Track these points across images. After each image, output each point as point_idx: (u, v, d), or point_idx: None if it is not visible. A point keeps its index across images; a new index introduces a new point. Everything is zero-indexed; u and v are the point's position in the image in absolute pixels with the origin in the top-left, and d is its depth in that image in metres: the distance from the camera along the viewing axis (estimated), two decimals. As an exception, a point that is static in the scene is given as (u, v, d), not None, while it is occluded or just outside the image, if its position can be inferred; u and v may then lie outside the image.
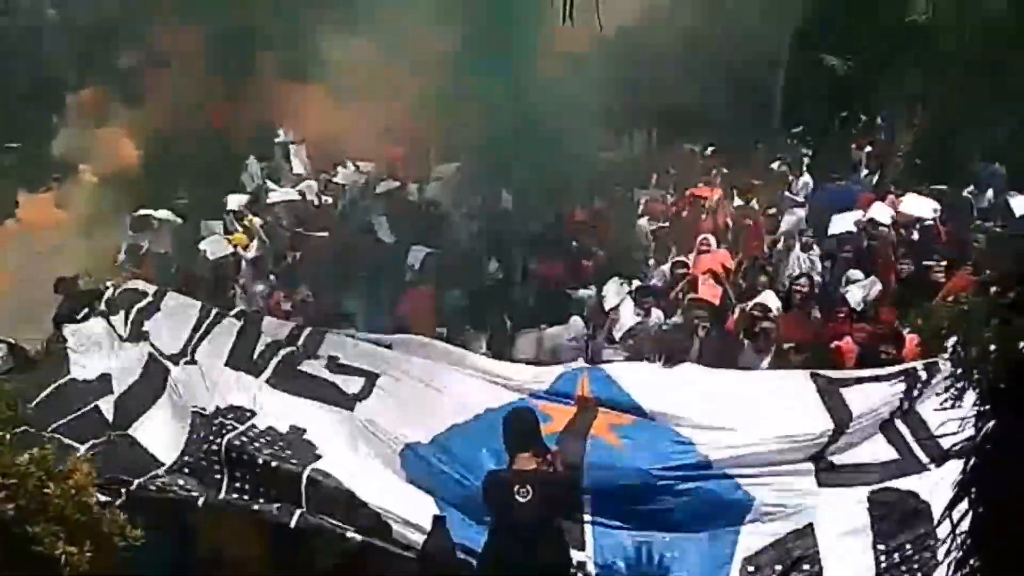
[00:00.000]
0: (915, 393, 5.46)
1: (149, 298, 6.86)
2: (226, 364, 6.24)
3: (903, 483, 5.18)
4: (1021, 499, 2.95)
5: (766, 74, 13.34)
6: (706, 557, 5.18)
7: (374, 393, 6.01)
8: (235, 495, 5.43)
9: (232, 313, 6.94)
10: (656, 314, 8.19)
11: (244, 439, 5.57)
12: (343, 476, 5.35)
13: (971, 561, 3.02)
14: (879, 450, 5.39)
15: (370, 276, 9.19)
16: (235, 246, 9.69)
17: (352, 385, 6.07)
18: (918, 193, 9.56)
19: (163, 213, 10.57)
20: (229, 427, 5.64)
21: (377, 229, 9.85)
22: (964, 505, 3.09)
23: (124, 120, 11.16)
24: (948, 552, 3.05)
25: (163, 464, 5.59)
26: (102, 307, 6.84)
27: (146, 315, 6.72)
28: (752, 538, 5.18)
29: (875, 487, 5.20)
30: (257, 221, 10.10)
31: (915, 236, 8.84)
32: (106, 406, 6.04)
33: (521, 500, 4.79)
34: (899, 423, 5.46)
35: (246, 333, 6.50)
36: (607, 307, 8.07)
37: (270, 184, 11.30)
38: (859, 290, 8.05)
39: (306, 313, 8.26)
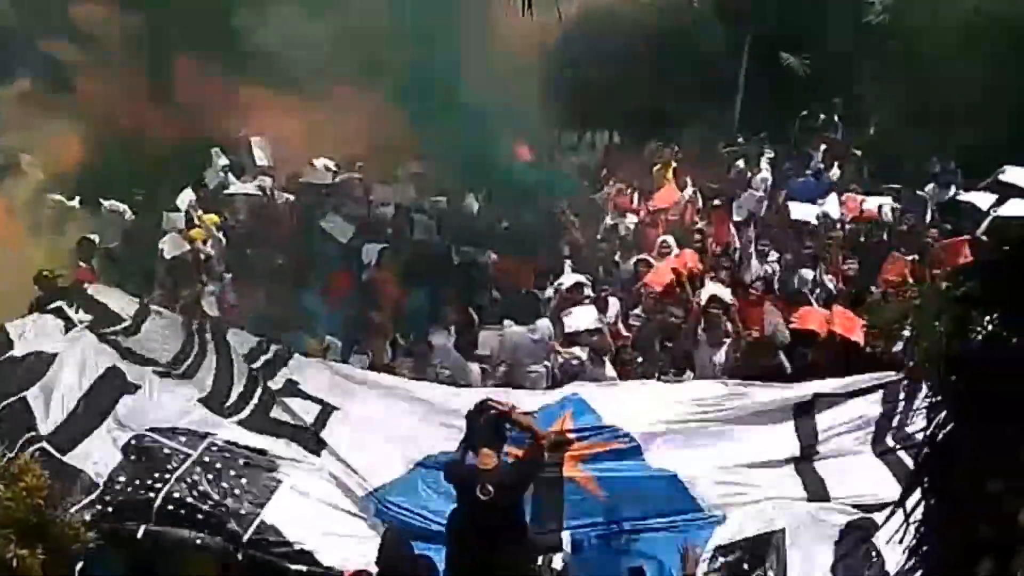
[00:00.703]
0: (899, 408, 5.39)
1: (127, 322, 6.58)
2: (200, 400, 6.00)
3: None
4: (972, 489, 3.00)
5: (726, 73, 13.52)
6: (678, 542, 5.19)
7: (331, 430, 5.85)
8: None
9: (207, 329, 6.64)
10: (614, 305, 8.28)
11: (188, 482, 5.23)
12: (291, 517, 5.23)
13: (923, 548, 3.07)
14: (884, 486, 5.14)
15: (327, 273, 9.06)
16: (192, 242, 9.56)
17: (308, 414, 5.93)
18: (877, 194, 9.86)
19: (113, 203, 10.36)
20: (178, 457, 5.33)
21: (332, 230, 9.70)
22: (917, 495, 3.14)
23: (66, 115, 10.69)
24: (901, 540, 3.09)
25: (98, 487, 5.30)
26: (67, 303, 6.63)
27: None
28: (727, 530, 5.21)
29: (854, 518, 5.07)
30: (210, 219, 9.96)
31: (862, 239, 9.04)
32: (34, 399, 5.73)
33: (483, 498, 4.78)
34: (901, 453, 5.28)
35: (220, 368, 6.26)
36: (565, 286, 8.17)
37: (232, 178, 11.08)
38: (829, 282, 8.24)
39: (258, 311, 8.17)
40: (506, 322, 8.10)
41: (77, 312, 6.58)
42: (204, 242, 9.65)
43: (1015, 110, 10.66)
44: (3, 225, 9.65)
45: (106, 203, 10.30)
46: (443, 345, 7.71)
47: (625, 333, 8.18)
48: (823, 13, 11.92)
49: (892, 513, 3.09)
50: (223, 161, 11.15)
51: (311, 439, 5.79)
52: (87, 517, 4.92)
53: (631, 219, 10.37)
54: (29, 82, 10.90)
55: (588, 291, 8.33)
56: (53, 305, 6.69)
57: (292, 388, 6.16)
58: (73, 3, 11.34)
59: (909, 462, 5.06)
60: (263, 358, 6.43)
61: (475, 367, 7.65)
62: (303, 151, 11.39)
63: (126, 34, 11.12)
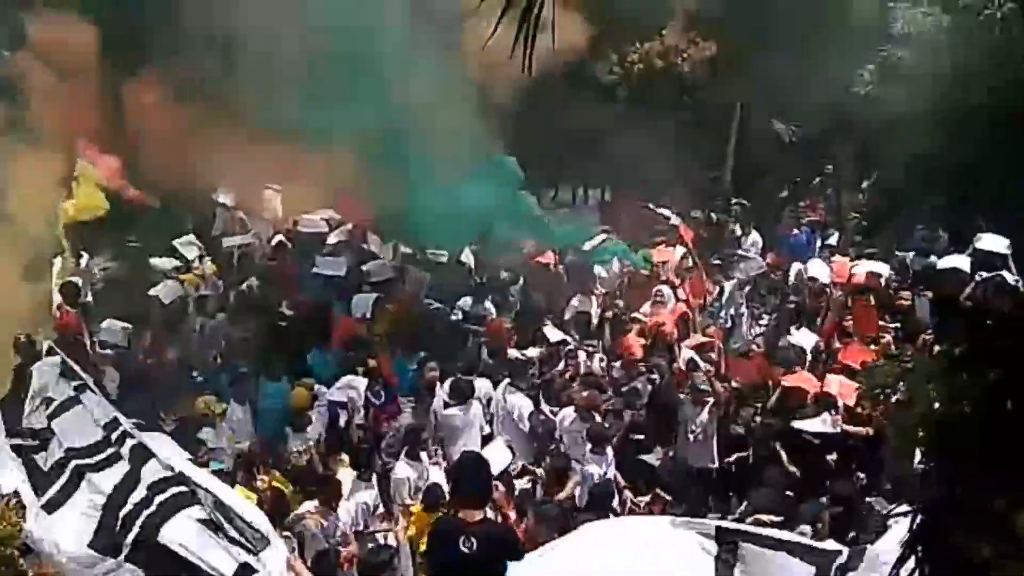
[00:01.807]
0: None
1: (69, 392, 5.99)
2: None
3: None
4: (966, 556, 2.98)
5: (718, 138, 13.79)
6: None
7: None
8: None
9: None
10: (597, 362, 8.30)
11: None
12: None
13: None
14: None
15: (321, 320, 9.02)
16: (183, 283, 9.57)
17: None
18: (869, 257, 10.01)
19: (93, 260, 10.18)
20: None
21: (324, 268, 9.62)
22: (911, 563, 3.12)
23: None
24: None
25: None
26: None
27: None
28: None
29: None
30: (209, 267, 9.97)
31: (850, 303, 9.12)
32: None
33: (465, 551, 4.71)
34: None
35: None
36: (552, 339, 8.20)
37: (241, 213, 11.00)
38: (810, 336, 8.24)
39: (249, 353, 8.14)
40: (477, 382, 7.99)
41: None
42: (197, 287, 9.64)
43: (987, 174, 11.00)
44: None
45: (84, 257, 10.20)
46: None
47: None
48: (812, 82, 12.20)
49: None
50: (228, 201, 11.03)
51: None
52: None
53: (615, 266, 10.52)
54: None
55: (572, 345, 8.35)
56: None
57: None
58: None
59: None
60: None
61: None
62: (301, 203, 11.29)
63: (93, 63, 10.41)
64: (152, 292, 9.33)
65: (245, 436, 7.60)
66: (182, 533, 5.06)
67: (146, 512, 5.16)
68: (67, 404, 5.85)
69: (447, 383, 7.83)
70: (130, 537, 5.10)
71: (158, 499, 5.22)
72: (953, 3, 10.76)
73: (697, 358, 7.83)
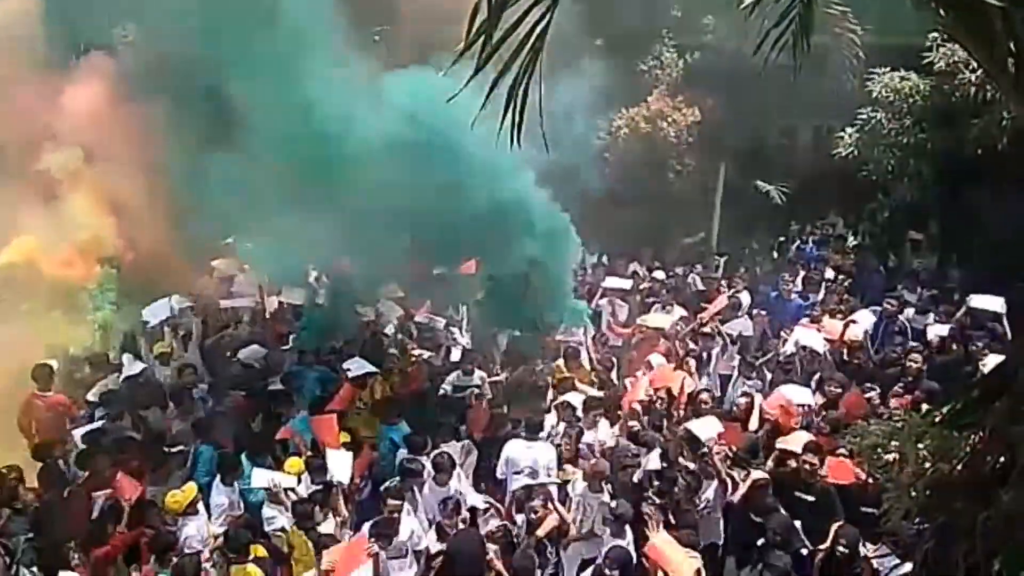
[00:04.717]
0: None
1: None
2: None
3: None
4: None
5: (704, 200, 13.95)
6: None
7: None
8: None
9: None
10: (604, 428, 8.11)
11: None
12: None
13: None
14: None
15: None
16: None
17: None
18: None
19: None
20: None
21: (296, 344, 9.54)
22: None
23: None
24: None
25: None
26: None
27: None
28: None
29: None
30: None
31: (846, 357, 9.08)
32: None
33: None
34: None
35: None
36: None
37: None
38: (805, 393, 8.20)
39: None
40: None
41: None
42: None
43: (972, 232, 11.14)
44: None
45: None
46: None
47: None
48: (795, 144, 12.44)
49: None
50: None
51: None
52: None
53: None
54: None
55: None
56: None
57: None
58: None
59: None
60: None
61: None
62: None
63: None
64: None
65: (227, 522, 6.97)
66: None
67: None
68: None
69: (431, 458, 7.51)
70: None
71: None
72: (928, 67, 11.04)
73: (700, 429, 7.53)
